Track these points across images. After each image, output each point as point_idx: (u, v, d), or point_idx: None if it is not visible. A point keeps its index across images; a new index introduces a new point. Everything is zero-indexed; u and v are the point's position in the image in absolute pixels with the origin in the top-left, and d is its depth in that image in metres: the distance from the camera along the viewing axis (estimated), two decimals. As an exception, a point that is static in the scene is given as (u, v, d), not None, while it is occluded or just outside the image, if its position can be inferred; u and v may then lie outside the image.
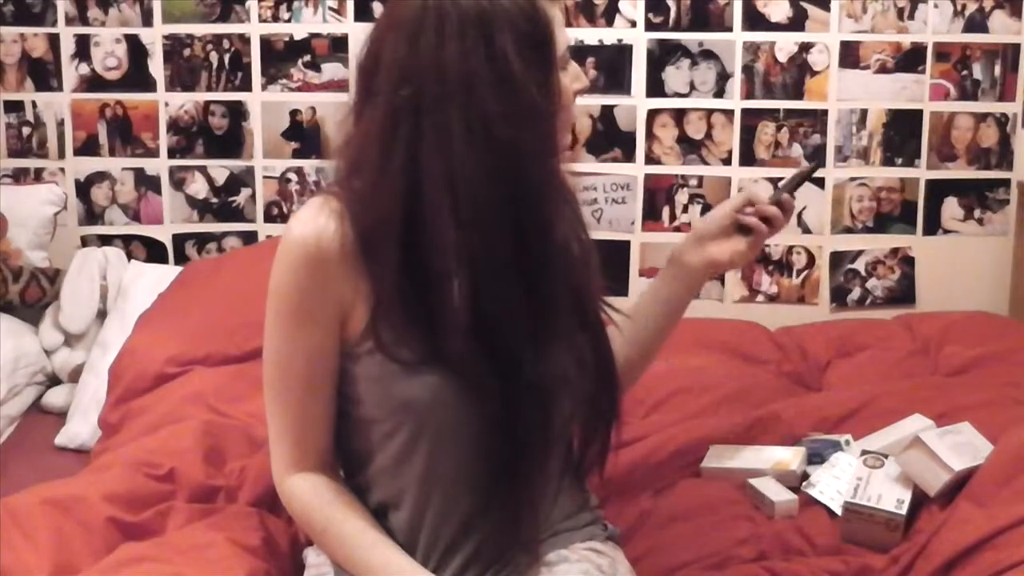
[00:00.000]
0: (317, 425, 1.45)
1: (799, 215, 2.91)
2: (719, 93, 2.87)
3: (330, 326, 1.40)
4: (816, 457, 1.91)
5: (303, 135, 2.92)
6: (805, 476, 1.90)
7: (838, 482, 1.82)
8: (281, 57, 2.89)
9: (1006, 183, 2.89)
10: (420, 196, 1.32)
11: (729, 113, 2.88)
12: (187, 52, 2.88)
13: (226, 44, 2.88)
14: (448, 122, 1.30)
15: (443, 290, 1.33)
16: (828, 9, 2.83)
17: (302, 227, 1.39)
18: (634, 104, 2.88)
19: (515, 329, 1.34)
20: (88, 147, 2.92)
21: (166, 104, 2.91)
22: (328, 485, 1.45)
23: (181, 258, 2.95)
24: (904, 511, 1.68)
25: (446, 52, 1.30)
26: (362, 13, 2.86)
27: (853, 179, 2.90)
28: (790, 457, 1.91)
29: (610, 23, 2.85)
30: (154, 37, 2.87)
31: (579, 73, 1.42)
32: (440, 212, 1.31)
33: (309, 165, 2.93)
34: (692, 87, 2.87)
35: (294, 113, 2.91)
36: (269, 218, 2.95)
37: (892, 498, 1.70)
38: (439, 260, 1.32)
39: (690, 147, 2.90)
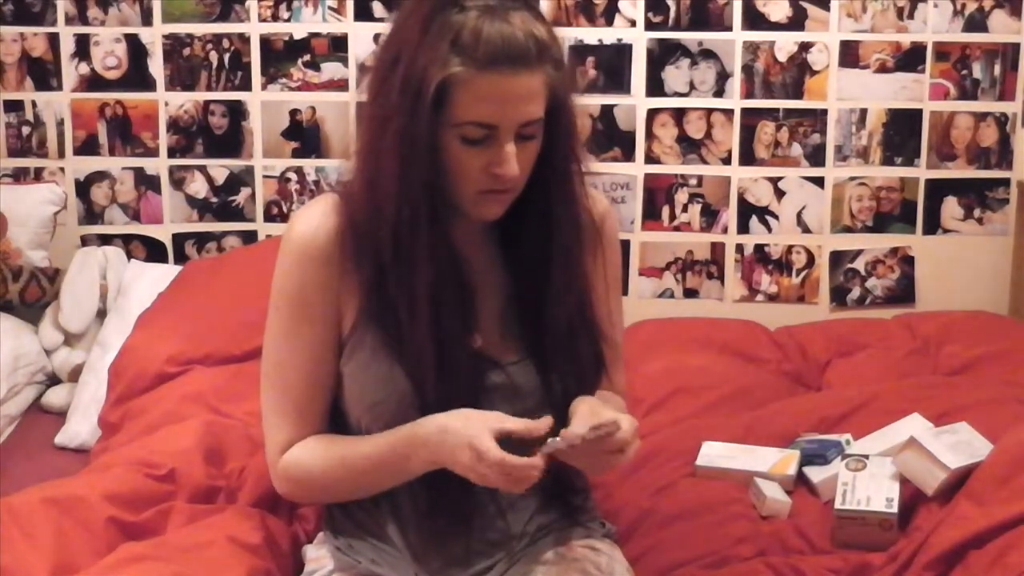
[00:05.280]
0: (314, 420, 1.49)
1: (799, 214, 2.91)
2: (719, 92, 2.87)
3: (329, 322, 1.45)
4: (819, 458, 1.91)
5: (303, 135, 2.92)
6: (801, 477, 1.90)
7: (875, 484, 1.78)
8: (281, 57, 2.89)
9: (1006, 182, 2.89)
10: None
11: (729, 112, 2.88)
12: (187, 51, 2.88)
13: (226, 44, 2.88)
14: (365, 135, 1.40)
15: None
16: (828, 8, 2.83)
17: (302, 225, 1.45)
18: (634, 103, 2.88)
19: (415, 342, 1.40)
20: (88, 147, 2.92)
21: (166, 104, 2.90)
22: (318, 438, 1.48)
23: (181, 257, 2.95)
24: (895, 509, 1.67)
25: (374, 67, 1.41)
26: (362, 13, 2.86)
27: (853, 178, 2.90)
28: (786, 461, 1.91)
29: (610, 22, 2.85)
30: (154, 37, 2.87)
31: (504, 159, 1.35)
32: (360, 211, 1.41)
33: (309, 164, 2.93)
34: (692, 86, 2.87)
35: (294, 112, 2.91)
36: (269, 218, 2.95)
37: (881, 498, 1.70)
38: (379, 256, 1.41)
39: (690, 146, 2.90)
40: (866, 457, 1.79)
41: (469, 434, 1.32)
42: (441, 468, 1.39)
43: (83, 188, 2.93)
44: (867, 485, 1.73)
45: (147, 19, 2.86)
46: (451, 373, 1.41)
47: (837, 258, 2.93)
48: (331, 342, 1.46)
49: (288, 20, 2.87)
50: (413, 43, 1.33)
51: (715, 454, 1.96)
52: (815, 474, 1.88)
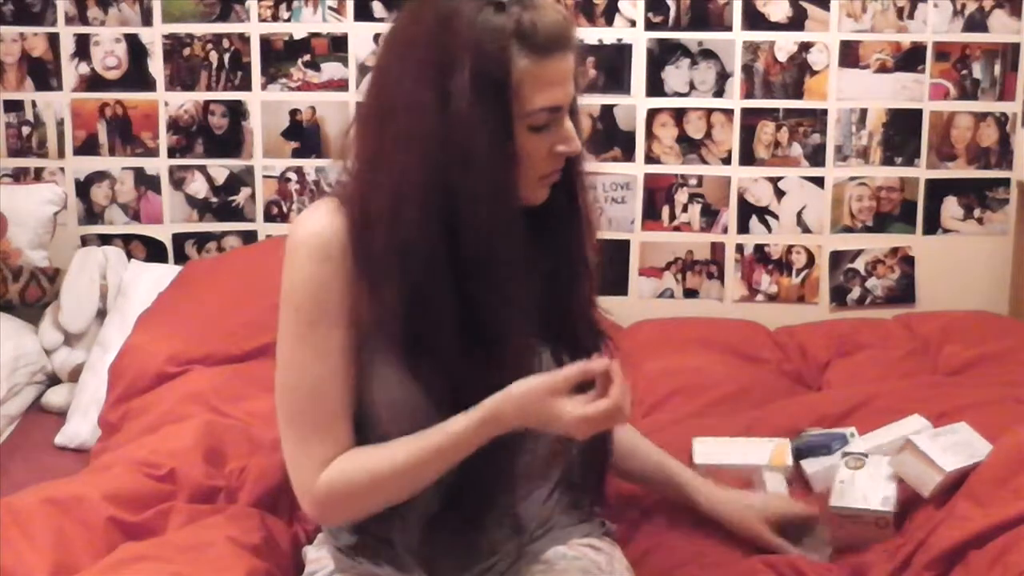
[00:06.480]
0: (349, 429, 1.43)
1: (799, 214, 2.91)
2: (719, 92, 2.87)
3: (347, 323, 1.41)
4: (823, 448, 1.91)
5: (303, 134, 2.92)
6: (798, 468, 1.90)
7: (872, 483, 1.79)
8: (281, 56, 2.89)
9: (1006, 182, 2.89)
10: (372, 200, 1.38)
11: (729, 112, 2.88)
12: (187, 51, 2.88)
13: (226, 43, 2.88)
14: (393, 137, 1.35)
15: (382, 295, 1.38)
16: (828, 8, 2.83)
17: (310, 225, 1.41)
18: (634, 103, 2.88)
19: (448, 352, 1.37)
20: (88, 147, 2.92)
21: (166, 103, 2.91)
22: (357, 449, 1.43)
23: (181, 257, 2.95)
24: (891, 508, 1.67)
25: (405, 68, 1.36)
26: (362, 13, 2.86)
27: (853, 178, 2.90)
28: (781, 452, 1.91)
29: (610, 22, 2.85)
30: (154, 37, 2.87)
31: (568, 136, 1.39)
32: (380, 220, 1.36)
33: (309, 165, 2.93)
34: (692, 86, 2.87)
35: (294, 112, 2.91)
36: (269, 217, 2.95)
37: (877, 496, 1.69)
38: (378, 263, 1.37)
39: (690, 146, 2.90)
40: (865, 455, 1.79)
41: (542, 411, 1.34)
42: (456, 475, 1.40)
43: (83, 188, 2.93)
44: (864, 484, 1.72)
45: (147, 19, 2.86)
46: (475, 372, 1.39)
47: (837, 258, 2.93)
48: (353, 343, 1.41)
49: (288, 20, 2.87)
50: (471, 40, 1.32)
51: (711, 451, 1.96)
52: (810, 465, 1.88)
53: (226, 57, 2.89)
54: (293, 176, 2.93)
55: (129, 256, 2.87)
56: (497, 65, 1.33)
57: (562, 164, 1.42)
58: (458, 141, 1.33)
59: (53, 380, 2.63)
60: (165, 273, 2.73)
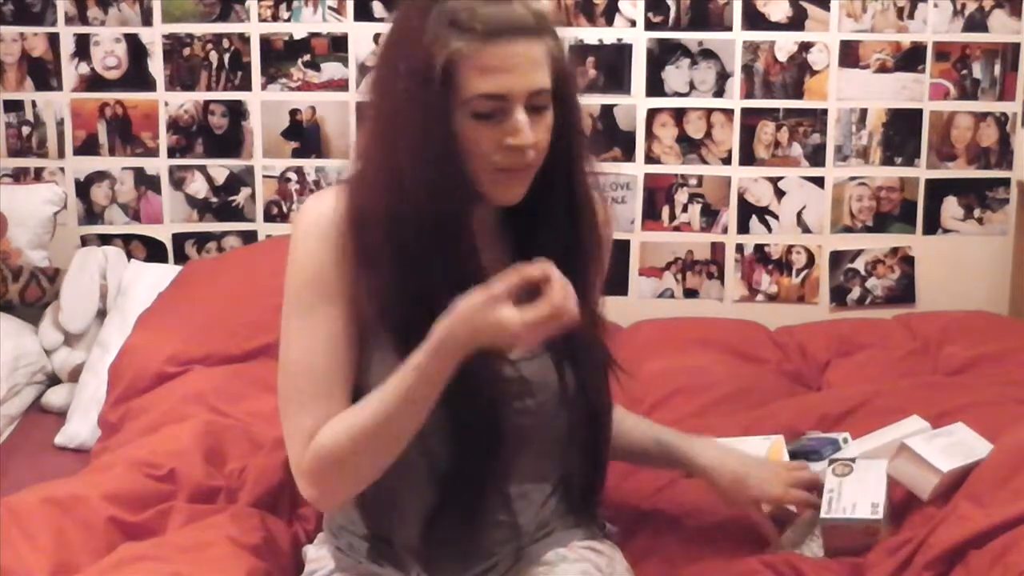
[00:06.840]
0: (341, 402, 1.42)
1: (799, 214, 2.91)
2: (719, 92, 2.87)
3: (350, 302, 1.41)
4: (814, 454, 1.90)
5: (303, 134, 2.92)
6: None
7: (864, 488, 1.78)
8: (281, 56, 2.89)
9: (1006, 182, 2.89)
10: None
11: (729, 112, 2.88)
12: (187, 51, 2.88)
13: (226, 43, 2.88)
14: (375, 132, 1.39)
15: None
16: (828, 8, 2.83)
17: (318, 207, 1.43)
18: (634, 103, 2.88)
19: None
20: (88, 146, 2.92)
21: (166, 103, 2.91)
22: (330, 420, 1.40)
23: (181, 257, 2.95)
24: (879, 515, 1.66)
25: (378, 64, 1.41)
26: (362, 13, 2.86)
27: (853, 178, 2.90)
28: (776, 448, 1.91)
29: (610, 22, 2.85)
30: (154, 36, 2.87)
31: (518, 127, 1.35)
32: (368, 214, 1.39)
33: (309, 165, 2.93)
34: (692, 86, 2.87)
35: (294, 112, 2.91)
36: (269, 217, 2.95)
37: (866, 503, 1.68)
38: (372, 260, 1.39)
39: (690, 146, 2.90)
40: (852, 460, 1.78)
41: (487, 323, 1.29)
42: (449, 469, 1.41)
43: (83, 188, 2.93)
44: (852, 492, 1.71)
45: (147, 19, 2.86)
46: (463, 369, 1.37)
47: (837, 258, 2.93)
48: (353, 321, 1.41)
49: (288, 20, 2.87)
50: (415, 32, 1.34)
51: None
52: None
53: (226, 57, 2.89)
54: (293, 176, 2.93)
55: (129, 256, 2.87)
56: (425, 48, 1.33)
57: (522, 158, 1.37)
58: (401, 128, 1.35)
59: (53, 380, 2.63)
60: (165, 273, 2.73)
